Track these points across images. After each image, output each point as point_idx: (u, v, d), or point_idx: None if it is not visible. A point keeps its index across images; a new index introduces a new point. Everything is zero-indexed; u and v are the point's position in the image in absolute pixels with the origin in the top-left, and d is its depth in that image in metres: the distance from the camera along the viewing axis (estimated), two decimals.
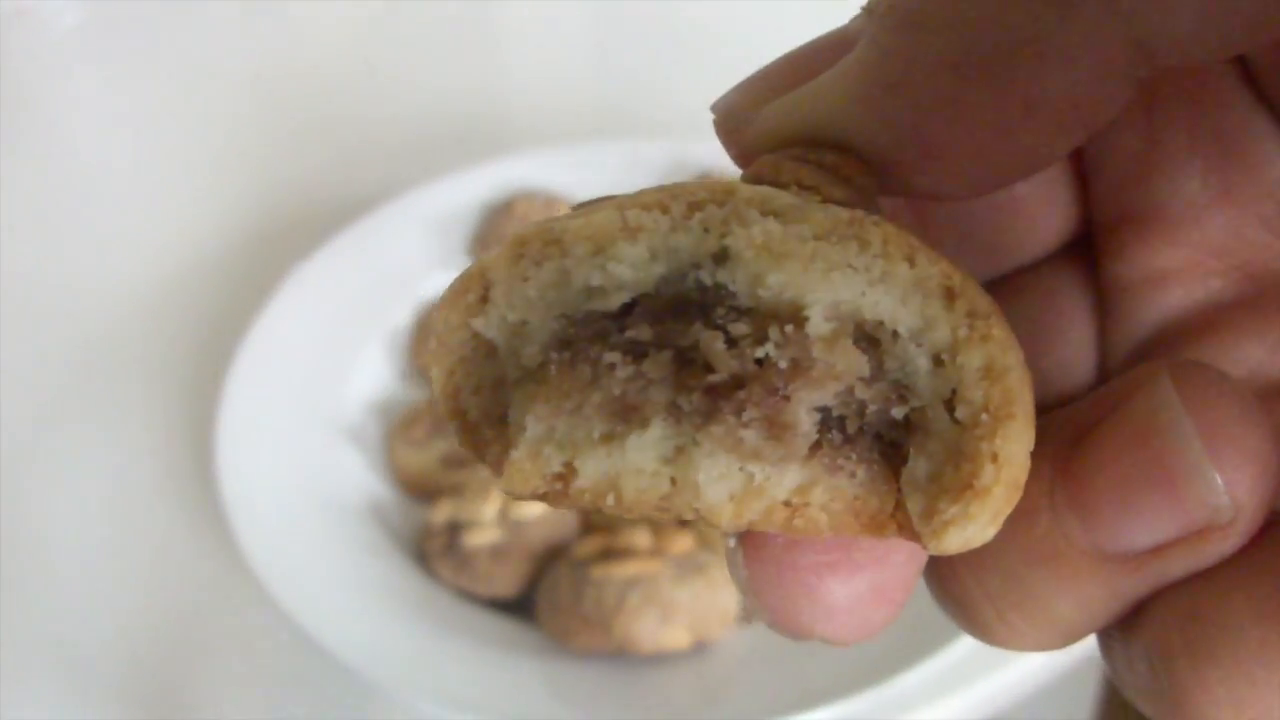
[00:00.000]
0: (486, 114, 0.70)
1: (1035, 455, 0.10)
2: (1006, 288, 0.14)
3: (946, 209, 0.14)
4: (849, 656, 0.36)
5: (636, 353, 0.10)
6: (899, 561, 0.11)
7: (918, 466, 0.10)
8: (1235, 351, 0.13)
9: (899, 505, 0.10)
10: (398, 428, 0.44)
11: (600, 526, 0.40)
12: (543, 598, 0.37)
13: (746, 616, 0.21)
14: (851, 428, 0.10)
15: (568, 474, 0.10)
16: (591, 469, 0.10)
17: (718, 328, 0.10)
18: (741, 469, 0.10)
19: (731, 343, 0.10)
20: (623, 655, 0.36)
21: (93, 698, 0.39)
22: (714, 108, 0.14)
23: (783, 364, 0.10)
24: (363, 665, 0.35)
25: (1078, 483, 0.10)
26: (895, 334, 0.10)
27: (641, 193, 0.11)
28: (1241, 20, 0.10)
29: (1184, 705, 0.11)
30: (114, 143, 0.69)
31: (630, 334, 0.10)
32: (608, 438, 0.10)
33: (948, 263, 0.10)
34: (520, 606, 0.39)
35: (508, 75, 0.75)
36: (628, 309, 0.10)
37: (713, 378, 0.10)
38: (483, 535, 0.39)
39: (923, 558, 0.12)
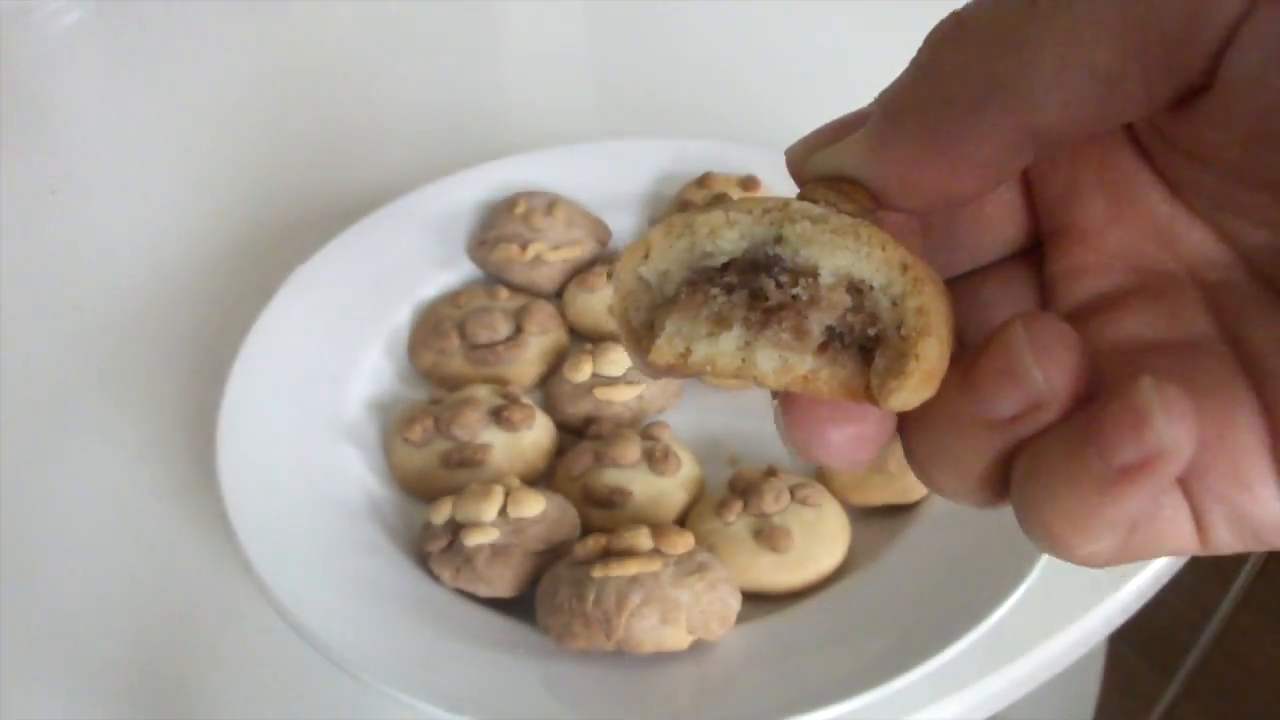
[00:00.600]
0: (487, 115, 0.70)
1: (956, 362, 0.18)
2: (980, 276, 0.22)
3: (938, 219, 0.21)
4: (849, 657, 0.36)
5: (728, 290, 0.19)
6: (874, 420, 0.19)
7: (879, 362, 0.18)
8: (1123, 321, 0.20)
9: (868, 384, 0.18)
10: (398, 428, 0.44)
11: (600, 526, 0.40)
12: (543, 598, 0.37)
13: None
14: (843, 338, 0.19)
15: (686, 354, 0.18)
16: (700, 351, 0.18)
17: (772, 278, 0.18)
18: (781, 356, 0.18)
19: (779, 286, 0.18)
20: (622, 655, 0.36)
21: (92, 697, 0.39)
22: (786, 152, 0.21)
23: (805, 298, 0.18)
24: (363, 665, 0.35)
25: (971, 378, 0.18)
26: (871, 287, 0.18)
27: (739, 201, 0.19)
28: (1093, 116, 0.17)
29: (1033, 521, 0.19)
30: (113, 143, 0.69)
31: (726, 280, 0.19)
32: (710, 335, 0.18)
33: (905, 250, 0.18)
34: (520, 606, 0.39)
35: (508, 76, 0.75)
36: (725, 266, 0.19)
37: (767, 304, 0.18)
38: (483, 535, 0.39)
39: (891, 421, 0.19)
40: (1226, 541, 0.18)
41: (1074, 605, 0.40)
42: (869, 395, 0.18)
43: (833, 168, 0.20)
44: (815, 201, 0.19)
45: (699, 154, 0.55)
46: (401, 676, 0.35)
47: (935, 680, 0.36)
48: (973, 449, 0.18)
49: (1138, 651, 1.07)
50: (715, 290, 0.19)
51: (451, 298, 0.50)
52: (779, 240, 0.19)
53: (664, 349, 0.19)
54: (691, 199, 0.52)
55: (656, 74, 0.73)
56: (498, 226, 0.52)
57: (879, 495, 0.42)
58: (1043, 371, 0.17)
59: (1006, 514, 0.22)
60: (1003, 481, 0.19)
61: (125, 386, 0.51)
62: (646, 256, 0.19)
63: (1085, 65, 0.17)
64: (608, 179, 0.56)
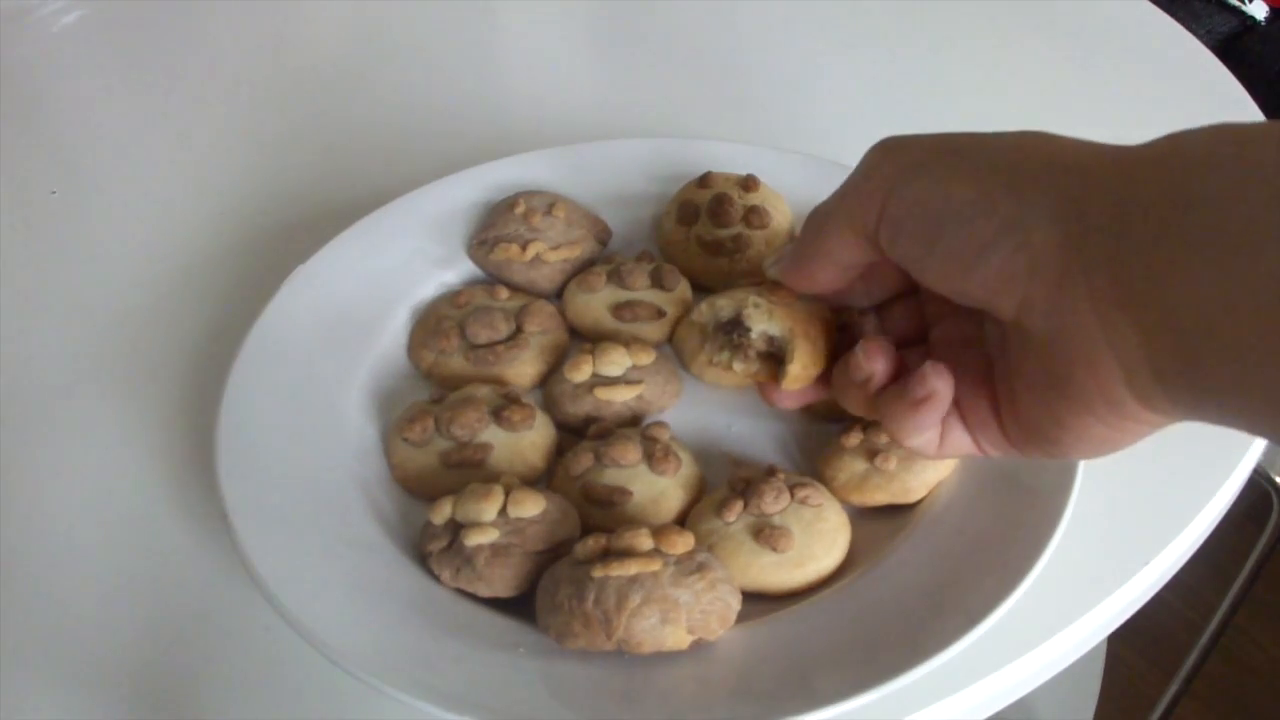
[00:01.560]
0: (487, 114, 0.70)
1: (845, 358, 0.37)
2: (885, 306, 0.39)
3: (858, 280, 0.38)
4: (849, 657, 0.36)
5: (727, 332, 0.41)
6: (796, 395, 0.40)
7: (787, 364, 0.38)
8: (944, 328, 0.37)
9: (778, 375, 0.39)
10: (397, 427, 0.44)
11: (600, 526, 0.40)
12: (543, 597, 0.37)
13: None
14: (769, 355, 0.40)
15: (712, 361, 0.42)
16: (718, 361, 0.41)
17: (738, 330, 0.40)
18: (742, 364, 0.40)
19: (742, 334, 0.40)
20: (622, 655, 0.36)
21: (91, 697, 0.39)
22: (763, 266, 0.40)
23: (751, 339, 0.39)
24: (363, 665, 0.35)
25: (842, 366, 0.37)
26: (775, 335, 0.39)
27: (728, 295, 0.41)
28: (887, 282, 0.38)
29: (886, 425, 0.35)
30: (112, 143, 0.69)
31: (725, 327, 0.41)
32: (720, 353, 0.41)
33: (792, 317, 0.39)
34: (520, 606, 0.39)
35: (509, 75, 0.75)
36: (724, 322, 0.41)
37: (735, 343, 0.40)
38: (483, 535, 0.38)
39: (811, 394, 0.40)
40: (986, 449, 0.34)
41: (1074, 605, 0.40)
42: (780, 380, 0.38)
43: (770, 277, 0.39)
44: (762, 294, 0.39)
45: (700, 154, 0.55)
46: (401, 676, 0.35)
47: (935, 680, 0.36)
48: (855, 394, 0.36)
49: (1138, 651, 1.07)
50: (720, 334, 0.41)
51: (451, 297, 0.50)
52: (740, 314, 0.39)
53: (703, 361, 0.42)
54: (692, 198, 0.52)
55: (657, 74, 0.73)
56: (498, 226, 0.52)
57: (878, 495, 0.42)
58: (868, 364, 0.35)
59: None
60: (873, 408, 0.36)
61: (125, 386, 0.51)
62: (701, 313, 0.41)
63: (843, 244, 0.35)
64: (608, 179, 0.55)
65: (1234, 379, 0.25)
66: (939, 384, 0.33)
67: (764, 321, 0.38)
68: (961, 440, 0.34)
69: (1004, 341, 0.32)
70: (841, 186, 0.34)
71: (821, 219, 0.35)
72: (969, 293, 0.30)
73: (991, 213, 0.29)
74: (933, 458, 0.37)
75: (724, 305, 0.40)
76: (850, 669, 0.35)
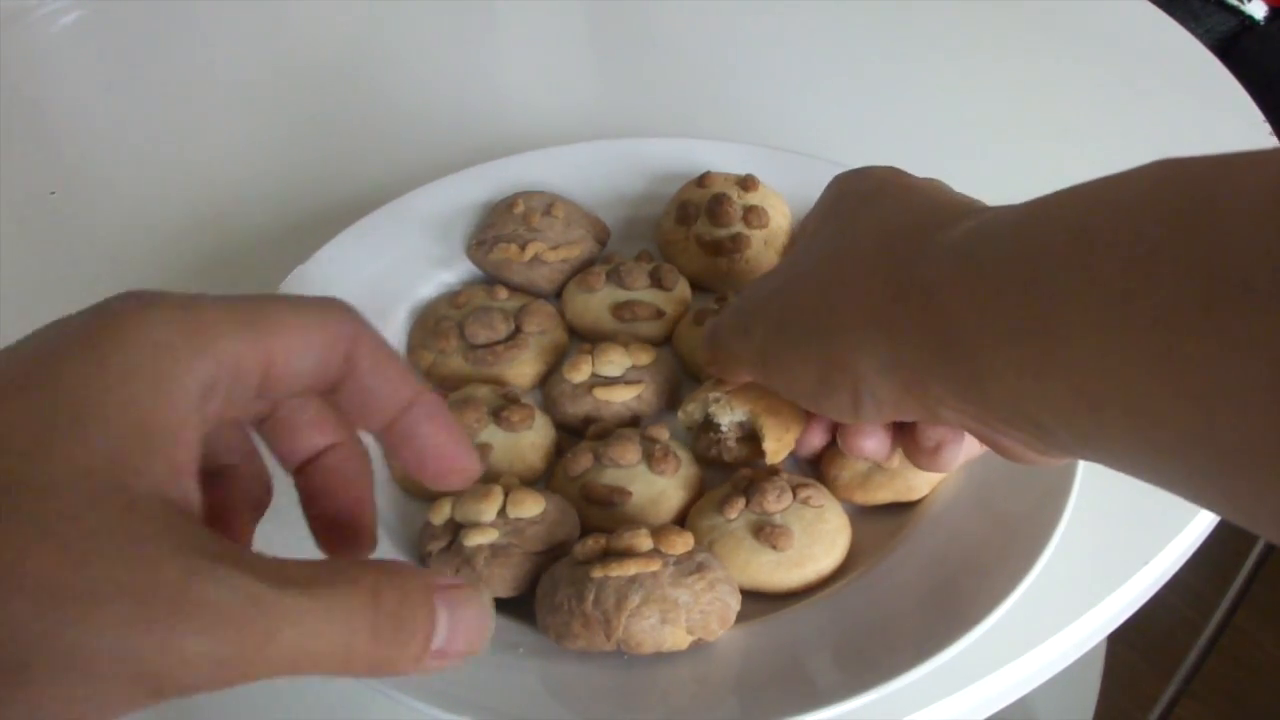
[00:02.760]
0: (486, 114, 0.70)
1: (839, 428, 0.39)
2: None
3: None
4: (849, 657, 0.36)
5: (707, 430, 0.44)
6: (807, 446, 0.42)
7: (763, 443, 0.40)
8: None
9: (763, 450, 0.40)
10: None
11: (600, 526, 0.40)
12: (542, 598, 0.37)
13: None
14: (743, 437, 0.43)
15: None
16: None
17: (713, 426, 0.43)
18: (727, 454, 0.44)
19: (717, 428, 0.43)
20: (622, 655, 0.36)
21: None
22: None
23: (724, 432, 0.43)
24: None
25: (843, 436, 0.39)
26: (744, 422, 0.42)
27: (695, 395, 0.43)
28: None
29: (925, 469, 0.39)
30: (111, 143, 0.69)
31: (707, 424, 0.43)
32: (712, 441, 0.44)
33: (753, 403, 0.41)
34: (520, 606, 0.39)
35: (507, 75, 0.75)
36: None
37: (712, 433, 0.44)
38: (482, 535, 0.38)
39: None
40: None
41: (1074, 605, 0.40)
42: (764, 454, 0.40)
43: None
44: (718, 388, 0.41)
45: (698, 153, 0.55)
46: (401, 676, 0.35)
47: (935, 680, 0.36)
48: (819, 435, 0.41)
49: (1138, 651, 1.07)
50: (704, 433, 0.44)
51: (450, 298, 0.50)
52: (709, 415, 0.42)
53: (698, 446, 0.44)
54: (690, 198, 0.52)
55: (656, 74, 0.73)
56: (496, 226, 0.52)
57: (881, 494, 0.42)
58: (858, 451, 0.38)
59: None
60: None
61: None
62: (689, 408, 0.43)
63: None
64: (607, 179, 0.55)
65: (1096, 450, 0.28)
66: (938, 433, 0.36)
67: (728, 413, 0.41)
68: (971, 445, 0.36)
69: None
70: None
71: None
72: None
73: (832, 396, 0.34)
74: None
75: (694, 409, 0.42)
76: (850, 669, 0.35)
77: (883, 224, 0.34)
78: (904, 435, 0.37)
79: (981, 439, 0.33)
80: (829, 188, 0.39)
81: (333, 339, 0.26)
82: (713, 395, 0.41)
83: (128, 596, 0.20)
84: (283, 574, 0.22)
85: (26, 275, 0.58)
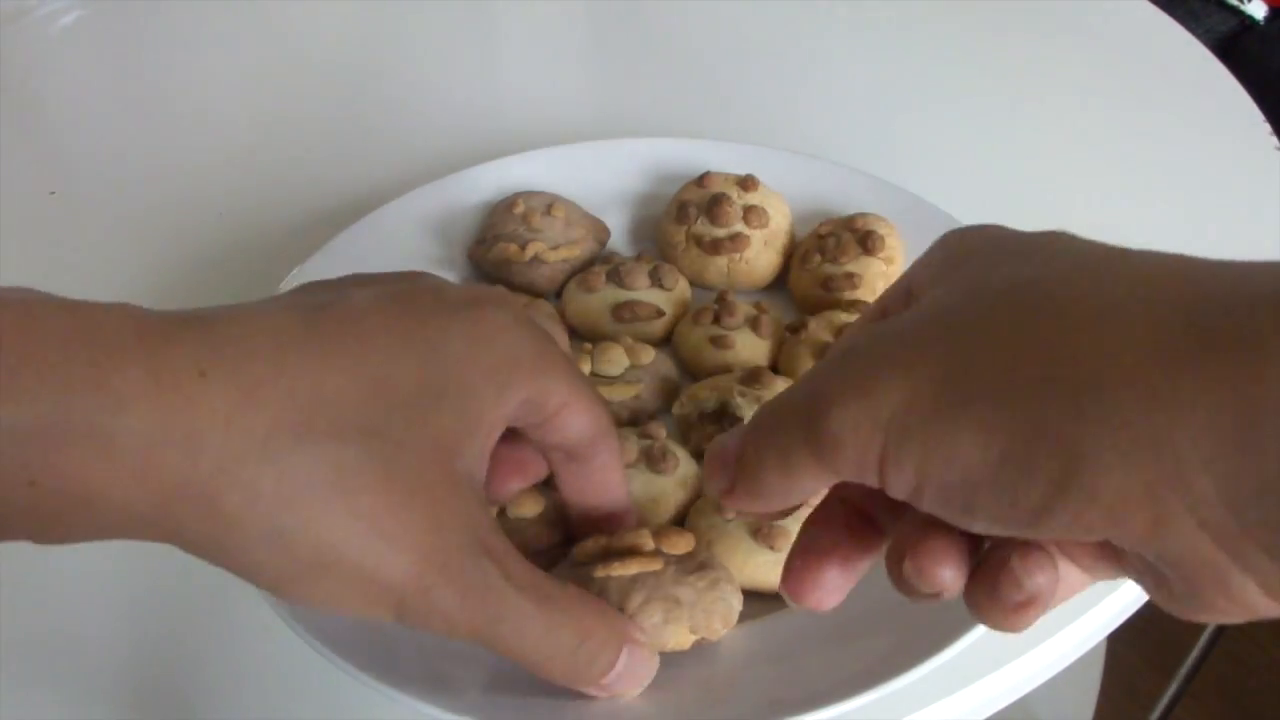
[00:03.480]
0: (486, 114, 0.70)
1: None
2: None
3: None
4: (849, 657, 0.36)
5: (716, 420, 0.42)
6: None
7: None
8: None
9: None
10: None
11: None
12: None
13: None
14: None
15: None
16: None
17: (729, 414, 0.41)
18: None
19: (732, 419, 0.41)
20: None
21: (90, 697, 0.39)
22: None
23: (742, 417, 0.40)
24: (362, 665, 0.35)
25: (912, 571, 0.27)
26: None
27: (710, 383, 0.43)
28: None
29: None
30: (111, 143, 0.69)
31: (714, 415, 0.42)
32: (711, 433, 0.41)
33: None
34: None
35: (507, 75, 0.76)
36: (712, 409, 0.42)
37: (725, 423, 0.42)
38: None
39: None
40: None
41: (1074, 605, 0.40)
42: None
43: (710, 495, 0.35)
44: (746, 387, 0.41)
45: (698, 154, 0.55)
46: (401, 676, 0.35)
47: (935, 680, 0.35)
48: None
49: (1138, 651, 1.07)
50: (707, 423, 0.42)
51: None
52: (727, 405, 0.41)
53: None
54: (690, 198, 0.52)
55: (656, 74, 0.73)
56: (497, 226, 0.52)
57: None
58: (932, 583, 0.26)
59: None
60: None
61: None
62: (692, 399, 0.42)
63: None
64: (607, 179, 0.55)
65: None
66: (1041, 580, 0.25)
67: (753, 406, 0.40)
68: (1079, 577, 0.26)
69: None
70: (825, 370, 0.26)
71: (774, 426, 0.27)
72: (1026, 534, 0.24)
73: (1030, 476, 0.22)
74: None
75: (708, 397, 0.41)
76: (850, 669, 0.35)
77: (1138, 267, 0.23)
78: (983, 578, 0.25)
79: (1182, 577, 0.22)
80: (948, 245, 0.28)
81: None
82: (738, 388, 0.40)
83: (414, 547, 0.27)
84: (526, 580, 0.29)
85: (26, 275, 0.58)
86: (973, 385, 0.23)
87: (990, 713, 0.39)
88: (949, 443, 0.23)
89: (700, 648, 0.37)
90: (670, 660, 0.36)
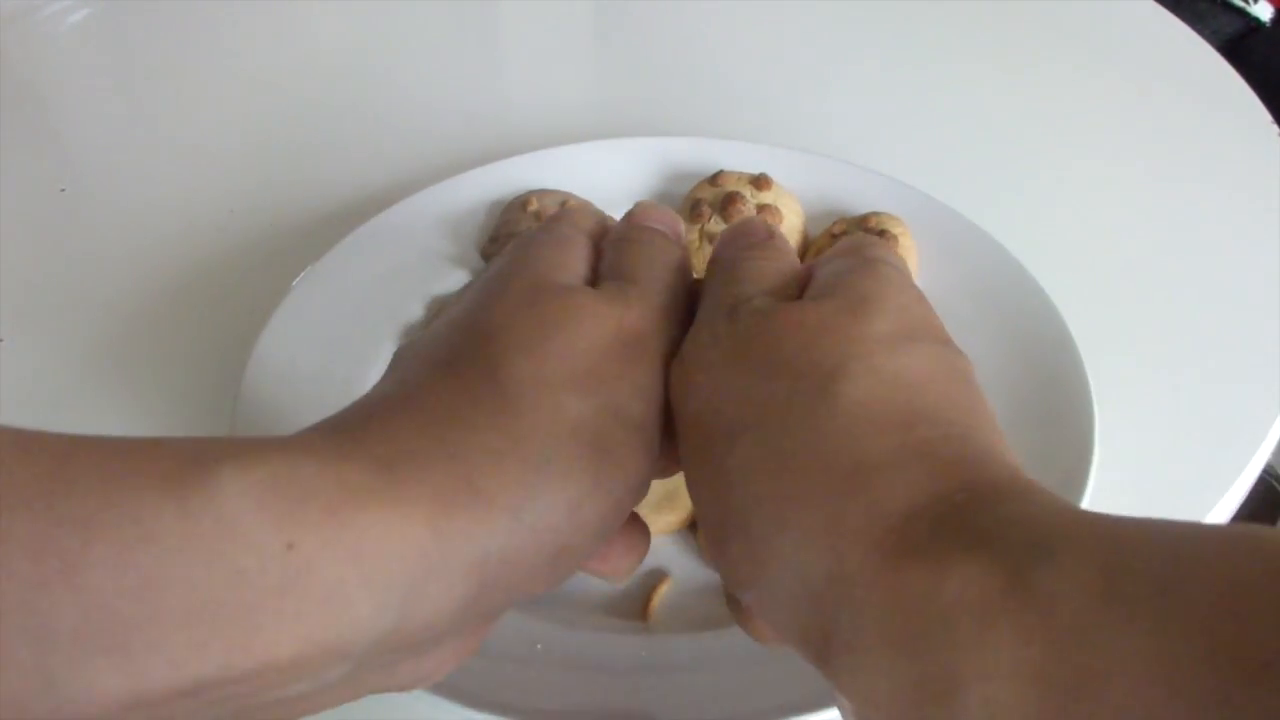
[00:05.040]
0: (499, 113, 0.70)
1: None
2: None
3: None
4: None
5: None
6: None
7: None
8: None
9: None
10: None
11: None
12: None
13: None
14: None
15: None
16: None
17: None
18: None
19: None
20: (623, 655, 0.36)
21: None
22: None
23: None
24: None
25: None
26: None
27: None
28: None
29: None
30: (121, 141, 0.69)
31: None
32: None
33: None
34: (537, 603, 0.39)
35: (520, 74, 0.76)
36: None
37: None
38: None
39: None
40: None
41: None
42: None
43: None
44: None
45: (711, 152, 0.55)
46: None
47: None
48: None
49: None
50: None
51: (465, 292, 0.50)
52: None
53: None
54: (703, 197, 0.53)
55: (668, 73, 0.73)
56: (510, 224, 0.52)
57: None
58: None
59: None
60: None
61: (137, 385, 0.51)
62: None
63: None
64: (619, 177, 0.55)
65: None
66: None
67: None
68: None
69: None
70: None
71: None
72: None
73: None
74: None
75: None
76: None
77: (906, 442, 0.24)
78: None
79: None
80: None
81: None
82: None
83: (568, 456, 0.25)
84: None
85: (36, 272, 0.58)
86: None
87: None
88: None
89: (699, 647, 0.37)
90: (669, 660, 0.36)
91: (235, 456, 0.20)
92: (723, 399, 0.26)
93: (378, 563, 0.21)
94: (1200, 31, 0.76)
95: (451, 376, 0.26)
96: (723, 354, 0.27)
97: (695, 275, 0.50)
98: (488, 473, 0.23)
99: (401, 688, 0.25)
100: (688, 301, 0.31)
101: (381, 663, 0.23)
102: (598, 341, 0.27)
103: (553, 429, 0.25)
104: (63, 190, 0.64)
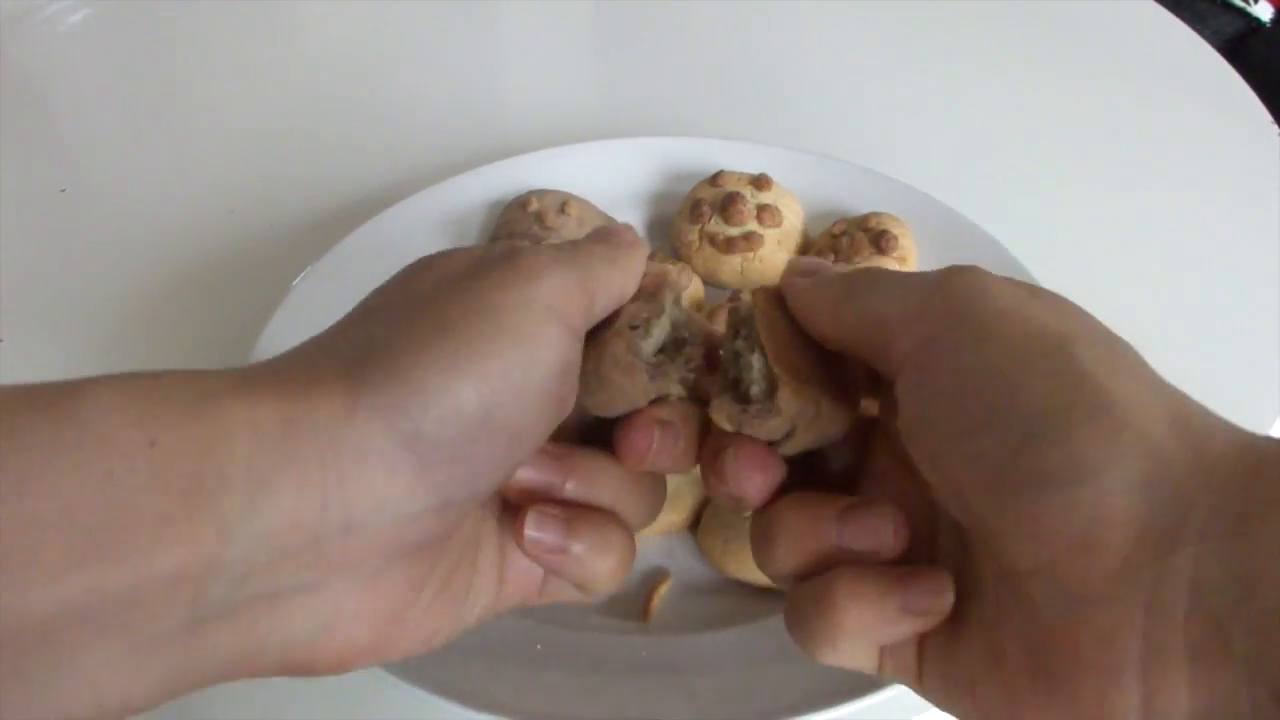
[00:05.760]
0: (499, 113, 0.70)
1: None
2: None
3: None
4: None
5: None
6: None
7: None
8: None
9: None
10: None
11: None
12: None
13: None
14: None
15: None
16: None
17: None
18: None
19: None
20: (624, 655, 0.36)
21: None
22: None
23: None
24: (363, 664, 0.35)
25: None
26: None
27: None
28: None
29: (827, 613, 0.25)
30: (122, 141, 0.69)
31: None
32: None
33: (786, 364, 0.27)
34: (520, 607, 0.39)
35: (520, 74, 0.75)
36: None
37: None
38: None
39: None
40: (888, 669, 0.26)
41: None
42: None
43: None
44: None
45: (711, 153, 0.55)
46: (414, 672, 0.35)
47: None
48: (806, 552, 0.26)
49: None
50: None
51: None
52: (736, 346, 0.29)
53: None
54: (704, 197, 0.53)
55: (669, 73, 0.73)
56: (510, 224, 0.52)
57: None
58: (886, 536, 0.25)
59: None
60: (805, 574, 0.26)
61: None
62: None
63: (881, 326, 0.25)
64: (620, 177, 0.56)
65: None
66: (948, 601, 0.24)
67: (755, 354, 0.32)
68: (870, 652, 0.25)
69: (974, 570, 0.24)
70: (907, 278, 0.26)
71: (878, 279, 0.26)
72: (973, 514, 0.23)
73: (1065, 438, 0.21)
74: (822, 661, 0.26)
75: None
76: (854, 671, 0.35)
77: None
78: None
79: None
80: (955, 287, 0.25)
81: None
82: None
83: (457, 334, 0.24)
84: None
85: (37, 272, 0.58)
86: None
87: None
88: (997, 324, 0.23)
89: (699, 648, 0.37)
90: (670, 661, 0.36)
91: (107, 378, 0.21)
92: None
93: (233, 451, 0.21)
94: (1200, 32, 0.76)
95: (362, 314, 0.27)
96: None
97: (694, 276, 0.51)
98: (358, 360, 0.23)
99: (306, 641, 0.24)
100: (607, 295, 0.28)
101: (267, 586, 0.22)
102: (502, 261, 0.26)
103: (445, 308, 0.24)
104: (63, 190, 0.64)
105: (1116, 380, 0.22)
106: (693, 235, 0.52)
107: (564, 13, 0.81)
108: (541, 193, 0.53)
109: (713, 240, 0.51)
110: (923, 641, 0.25)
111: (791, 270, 0.29)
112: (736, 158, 0.55)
